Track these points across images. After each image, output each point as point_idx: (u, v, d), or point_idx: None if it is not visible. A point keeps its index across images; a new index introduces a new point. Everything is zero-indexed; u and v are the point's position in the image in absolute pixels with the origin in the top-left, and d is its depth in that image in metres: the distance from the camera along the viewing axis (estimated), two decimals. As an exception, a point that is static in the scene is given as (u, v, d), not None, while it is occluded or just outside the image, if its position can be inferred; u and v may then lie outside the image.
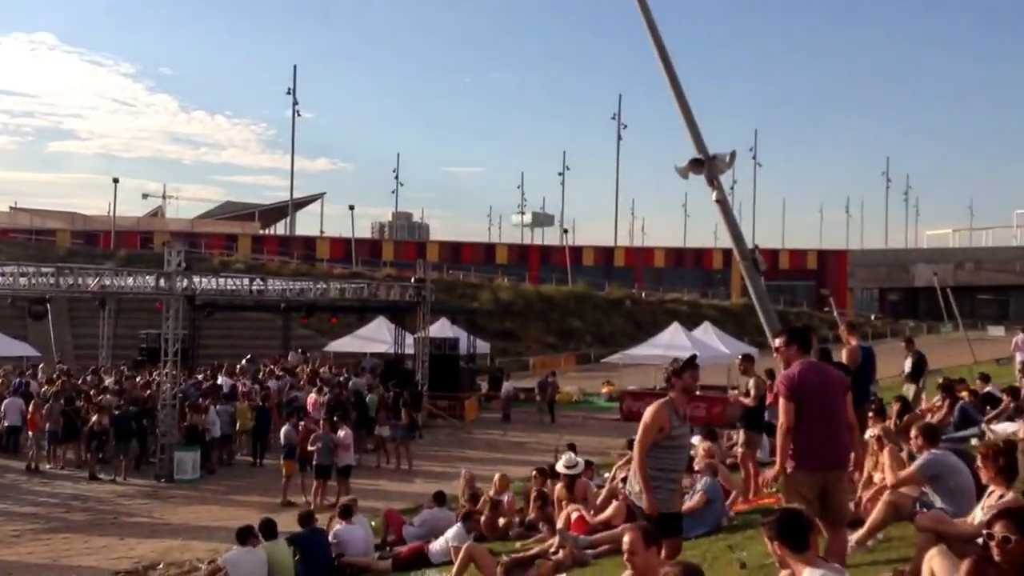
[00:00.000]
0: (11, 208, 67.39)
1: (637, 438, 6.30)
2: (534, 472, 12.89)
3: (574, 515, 10.24)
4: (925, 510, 6.45)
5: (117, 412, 20.09)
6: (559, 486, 11.32)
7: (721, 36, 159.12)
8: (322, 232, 74.34)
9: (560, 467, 11.57)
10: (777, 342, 6.21)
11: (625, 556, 4.95)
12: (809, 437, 5.76)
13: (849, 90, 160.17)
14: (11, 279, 20.79)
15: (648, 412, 6.25)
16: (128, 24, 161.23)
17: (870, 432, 8.31)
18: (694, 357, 6.65)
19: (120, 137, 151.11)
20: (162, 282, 21.05)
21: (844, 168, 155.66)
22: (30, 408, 20.85)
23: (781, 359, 6.14)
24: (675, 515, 6.42)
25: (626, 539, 4.93)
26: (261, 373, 28.12)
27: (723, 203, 13.56)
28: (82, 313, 37.63)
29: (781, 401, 5.91)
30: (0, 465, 20.35)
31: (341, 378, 27.22)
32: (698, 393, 10.74)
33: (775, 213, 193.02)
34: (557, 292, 58.17)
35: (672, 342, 29.31)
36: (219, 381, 25.30)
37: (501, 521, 11.73)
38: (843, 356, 8.72)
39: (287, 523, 12.06)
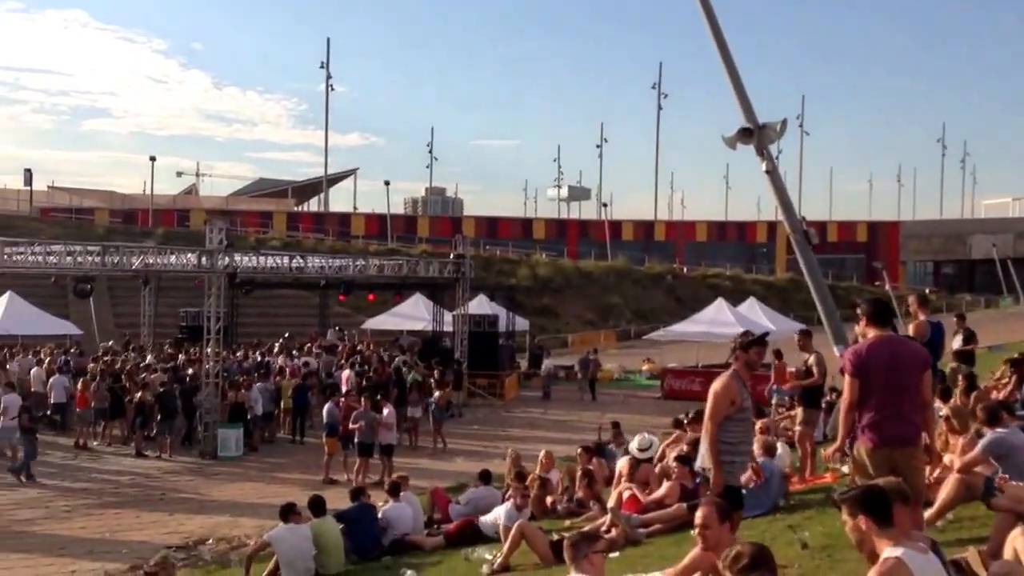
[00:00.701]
0: (49, 187, 67.66)
1: (708, 412, 6.23)
2: (579, 450, 12.75)
3: (626, 494, 10.08)
4: (998, 492, 6.23)
5: (162, 389, 20.27)
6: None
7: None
8: (355, 208, 74.46)
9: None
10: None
11: (697, 531, 4.94)
12: (874, 412, 5.58)
13: (902, 53, 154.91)
14: (58, 258, 21.07)
15: (718, 385, 6.20)
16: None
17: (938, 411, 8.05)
18: (766, 334, 6.59)
19: (153, 115, 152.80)
20: (204, 260, 21.15)
21: (896, 135, 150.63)
22: (78, 386, 21.13)
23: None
24: (736, 489, 6.34)
25: (700, 513, 4.95)
26: (294, 351, 28.13)
27: (773, 174, 13.27)
28: (121, 291, 38.08)
29: (846, 377, 5.79)
30: (48, 442, 20.63)
31: (385, 356, 27.22)
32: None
33: (822, 183, 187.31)
34: (596, 267, 57.71)
35: (716, 318, 28.83)
36: (267, 360, 25.48)
37: (549, 499, 11.62)
38: (909, 330, 8.46)
39: (332, 500, 12.05)
